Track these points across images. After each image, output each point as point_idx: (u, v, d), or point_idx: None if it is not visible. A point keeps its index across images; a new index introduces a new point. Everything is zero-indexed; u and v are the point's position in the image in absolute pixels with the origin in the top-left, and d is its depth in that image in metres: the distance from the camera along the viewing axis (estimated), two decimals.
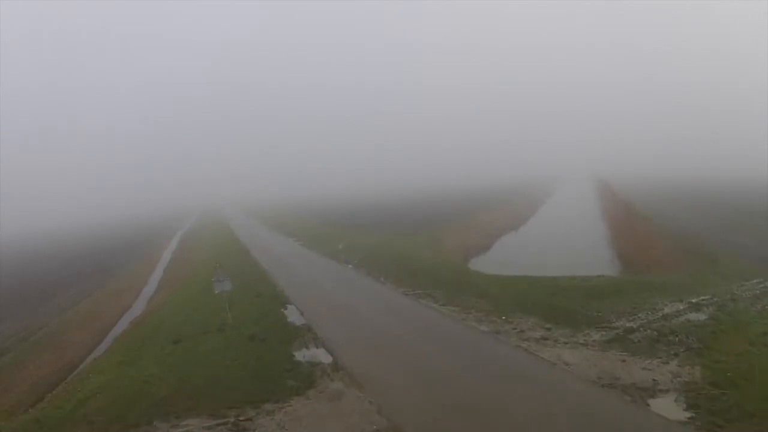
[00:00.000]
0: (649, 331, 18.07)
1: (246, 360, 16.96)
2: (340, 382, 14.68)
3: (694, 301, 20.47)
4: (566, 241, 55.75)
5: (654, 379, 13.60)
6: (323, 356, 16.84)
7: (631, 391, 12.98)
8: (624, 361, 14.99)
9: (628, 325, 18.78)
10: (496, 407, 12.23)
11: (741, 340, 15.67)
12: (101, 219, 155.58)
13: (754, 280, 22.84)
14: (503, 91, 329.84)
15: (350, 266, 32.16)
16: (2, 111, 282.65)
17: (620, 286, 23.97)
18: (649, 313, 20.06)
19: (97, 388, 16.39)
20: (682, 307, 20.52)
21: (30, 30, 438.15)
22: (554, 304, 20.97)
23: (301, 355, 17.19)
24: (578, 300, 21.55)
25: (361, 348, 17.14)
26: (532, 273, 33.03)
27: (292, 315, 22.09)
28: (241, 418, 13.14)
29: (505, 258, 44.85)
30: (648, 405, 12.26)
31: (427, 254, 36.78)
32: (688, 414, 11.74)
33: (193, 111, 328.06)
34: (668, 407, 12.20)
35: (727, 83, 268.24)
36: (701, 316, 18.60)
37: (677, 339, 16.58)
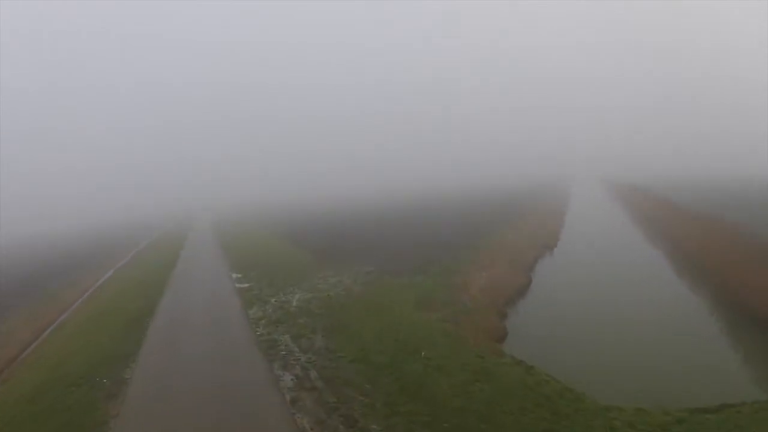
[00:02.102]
0: None
1: None
2: None
3: None
4: (626, 268, 38.46)
5: None
6: None
7: None
8: None
9: None
10: None
11: None
12: (94, 222, 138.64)
13: None
14: (503, 89, 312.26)
15: (291, 380, 14.73)
16: (2, 111, 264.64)
17: None
18: None
19: None
20: None
21: (30, 30, 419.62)
22: None
23: None
24: None
25: None
26: (654, 368, 16.34)
27: None
28: None
29: (564, 314, 27.51)
30: None
31: (445, 334, 19.23)
32: None
33: (193, 111, 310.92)
34: None
35: (733, 77, 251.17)
36: None
37: None
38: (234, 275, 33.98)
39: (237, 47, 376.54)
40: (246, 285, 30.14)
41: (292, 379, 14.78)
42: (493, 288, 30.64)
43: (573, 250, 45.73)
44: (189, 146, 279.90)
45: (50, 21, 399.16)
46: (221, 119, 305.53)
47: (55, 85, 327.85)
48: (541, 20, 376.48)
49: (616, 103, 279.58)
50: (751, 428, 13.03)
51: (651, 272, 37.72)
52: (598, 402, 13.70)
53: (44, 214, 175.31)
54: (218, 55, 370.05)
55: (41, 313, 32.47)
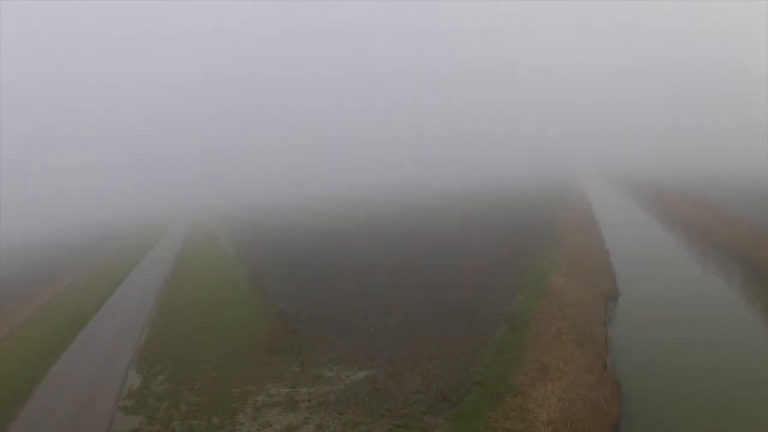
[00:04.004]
0: None
1: None
2: None
3: None
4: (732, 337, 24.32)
5: None
6: None
7: None
8: None
9: None
10: None
11: None
12: (89, 224, 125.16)
13: None
14: (501, 80, 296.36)
15: None
16: (2, 111, 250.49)
17: None
18: None
19: None
20: None
21: (30, 30, 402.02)
22: None
23: None
24: None
25: None
26: None
27: None
28: None
29: None
30: None
31: None
32: None
33: (193, 111, 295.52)
34: None
35: (744, 69, 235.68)
36: None
37: None
38: (131, 380, 19.74)
39: (238, 45, 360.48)
40: (130, 426, 15.89)
41: None
42: (572, 424, 16.48)
43: (641, 300, 31.14)
44: (189, 146, 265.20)
45: (50, 21, 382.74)
46: (222, 118, 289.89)
47: (55, 85, 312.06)
48: (539, 18, 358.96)
49: (618, 99, 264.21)
50: None
51: None
52: None
53: (43, 215, 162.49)
54: (219, 54, 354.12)
55: None
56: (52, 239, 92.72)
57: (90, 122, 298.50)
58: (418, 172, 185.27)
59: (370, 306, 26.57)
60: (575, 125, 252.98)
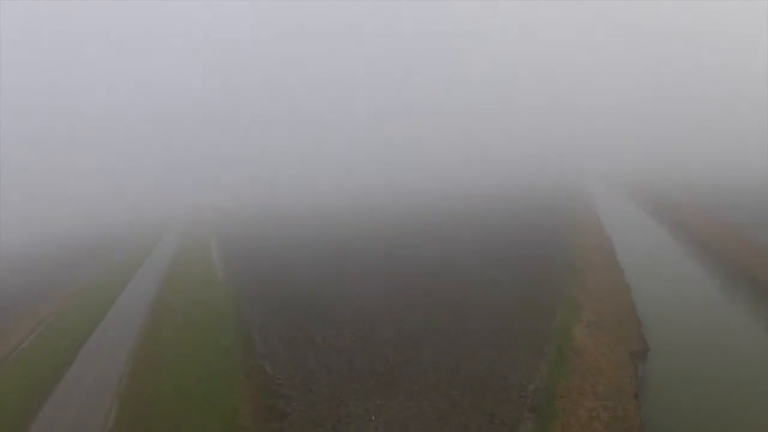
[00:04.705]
0: None
1: None
2: None
3: None
4: None
5: None
6: None
7: None
8: None
9: None
10: None
11: None
12: (86, 229, 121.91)
13: None
14: (501, 80, 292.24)
15: None
16: (2, 111, 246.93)
17: None
18: None
19: None
20: None
21: (30, 30, 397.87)
22: None
23: None
24: None
25: None
26: None
27: None
28: None
29: None
30: None
31: None
32: None
33: (193, 111, 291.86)
34: None
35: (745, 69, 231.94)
36: None
37: None
38: None
39: (238, 45, 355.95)
40: None
41: None
42: None
43: (673, 357, 27.41)
44: (189, 146, 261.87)
45: (50, 21, 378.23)
46: (222, 118, 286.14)
47: (55, 85, 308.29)
48: (539, 18, 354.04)
49: (618, 99, 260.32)
50: None
51: None
52: None
53: (42, 217, 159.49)
54: (219, 54, 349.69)
55: None
56: (42, 250, 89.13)
57: (90, 122, 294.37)
58: (418, 173, 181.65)
59: (371, 379, 22.86)
60: (575, 125, 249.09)
